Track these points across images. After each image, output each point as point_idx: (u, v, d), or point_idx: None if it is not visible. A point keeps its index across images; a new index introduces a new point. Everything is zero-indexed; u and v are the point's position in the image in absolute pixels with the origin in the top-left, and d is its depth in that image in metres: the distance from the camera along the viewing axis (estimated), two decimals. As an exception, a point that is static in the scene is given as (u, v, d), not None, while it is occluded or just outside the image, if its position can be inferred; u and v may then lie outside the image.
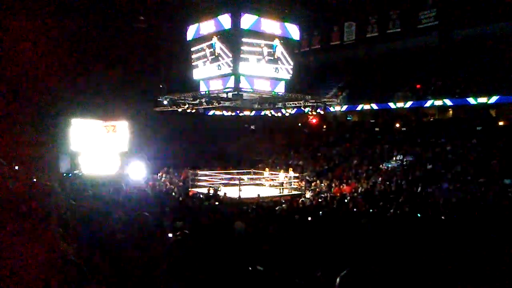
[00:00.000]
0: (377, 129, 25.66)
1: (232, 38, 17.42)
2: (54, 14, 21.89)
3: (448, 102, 21.72)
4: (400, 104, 23.17)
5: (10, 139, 19.04)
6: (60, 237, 1.61)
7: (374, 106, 24.53)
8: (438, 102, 21.94)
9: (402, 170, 20.08)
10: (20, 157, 15.80)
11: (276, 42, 18.18)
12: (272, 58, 18.15)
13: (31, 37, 20.42)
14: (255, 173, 22.67)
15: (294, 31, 18.85)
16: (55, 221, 1.59)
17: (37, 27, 21.38)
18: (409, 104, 22.95)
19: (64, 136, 21.66)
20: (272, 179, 21.85)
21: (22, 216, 1.53)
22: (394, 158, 21.48)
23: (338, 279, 1.81)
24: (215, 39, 18.06)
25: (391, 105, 23.55)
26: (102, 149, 22.42)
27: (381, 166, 21.17)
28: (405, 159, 20.96)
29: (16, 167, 12.35)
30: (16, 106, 20.83)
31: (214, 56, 18.23)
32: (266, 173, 22.22)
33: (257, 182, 21.81)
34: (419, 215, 11.85)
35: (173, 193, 16.92)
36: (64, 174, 19.62)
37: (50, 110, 21.25)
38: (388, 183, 18.94)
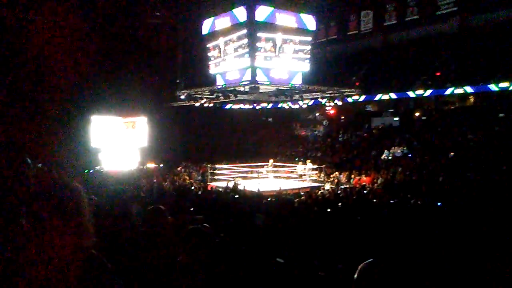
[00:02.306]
0: (396, 118, 25.32)
1: (247, 31, 17.35)
2: (72, 12, 22.21)
3: (468, 89, 21.25)
4: (419, 93, 22.78)
5: (33, 138, 19.49)
6: (81, 231, 1.63)
7: (393, 96, 24.17)
8: (459, 90, 21.48)
9: (422, 159, 19.80)
10: (42, 154, 16.13)
11: (291, 34, 18.04)
12: (287, 49, 18.02)
13: (52, 35, 20.81)
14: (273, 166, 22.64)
15: (310, 22, 18.66)
16: (76, 216, 1.62)
17: (57, 25, 21.77)
18: (428, 92, 22.54)
19: (84, 133, 22.03)
20: (274, 171, 21.72)
21: (44, 212, 1.56)
22: (399, 149, 21.22)
23: (357, 271, 1.79)
24: (230, 33, 18.04)
25: (410, 94, 23.18)
26: (122, 145, 22.73)
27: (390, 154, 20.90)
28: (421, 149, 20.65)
29: (39, 165, 12.60)
30: (39, 105, 21.28)
31: (229, 50, 18.21)
32: (270, 165, 21.98)
33: (276, 174, 21.80)
34: (440, 204, 11.68)
35: (192, 188, 17.04)
36: (86, 171, 19.98)
37: (71, 107, 21.60)
38: (408, 173, 18.70)
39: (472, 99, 23.31)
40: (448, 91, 21.83)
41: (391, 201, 13.29)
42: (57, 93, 21.55)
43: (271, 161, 22.00)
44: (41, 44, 19.90)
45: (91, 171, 20.59)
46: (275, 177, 21.72)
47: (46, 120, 21.05)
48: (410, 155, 20.76)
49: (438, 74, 23.08)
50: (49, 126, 20.78)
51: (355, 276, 1.77)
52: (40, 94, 21.47)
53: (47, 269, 1.50)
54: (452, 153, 19.16)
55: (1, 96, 20.10)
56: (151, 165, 23.43)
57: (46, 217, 1.55)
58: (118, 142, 22.67)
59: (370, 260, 1.81)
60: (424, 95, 22.74)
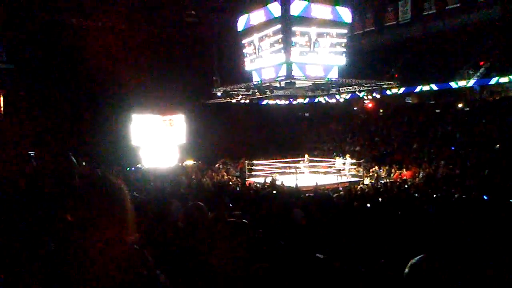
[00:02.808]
0: (438, 110, 24.53)
1: (282, 26, 17.26)
2: (115, 14, 22.94)
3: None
4: (462, 83, 21.94)
5: (77, 136, 20.26)
6: (125, 227, 1.67)
7: (434, 87, 23.39)
8: (504, 79, 20.53)
9: (466, 152, 19.11)
10: (87, 153, 16.72)
11: (327, 27, 17.79)
12: (323, 43, 17.79)
13: (97, 37, 21.57)
14: (310, 161, 22.49)
15: (345, 14, 18.34)
16: (119, 212, 1.66)
17: (101, 28, 22.55)
18: (472, 82, 21.67)
19: (126, 131, 22.65)
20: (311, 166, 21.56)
21: (89, 209, 1.61)
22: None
23: (408, 267, 1.75)
24: (265, 28, 18.01)
25: (453, 84, 22.35)
26: (161, 142, 23.22)
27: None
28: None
29: (84, 163, 13.04)
30: (83, 105, 22.10)
31: (264, 46, 18.20)
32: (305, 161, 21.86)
33: (314, 170, 21.65)
34: (486, 197, 11.25)
35: (230, 184, 17.18)
36: (128, 168, 20.56)
37: (113, 106, 22.27)
38: (451, 166, 18.11)
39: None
40: (493, 81, 20.92)
41: (434, 195, 12.92)
42: (101, 93, 22.31)
43: (306, 156, 21.87)
44: (86, 46, 20.65)
45: (132, 168, 21.15)
46: (313, 172, 21.56)
47: (90, 119, 21.83)
48: (453, 148, 20.08)
49: (481, 63, 22.15)
50: (93, 125, 21.55)
51: (407, 271, 1.74)
52: (85, 94, 22.28)
53: (92, 264, 1.54)
54: (497, 145, 18.39)
55: (47, 96, 21.01)
56: (189, 162, 23.80)
57: (90, 214, 1.60)
58: (157, 140, 23.17)
59: (421, 255, 1.77)
60: (467, 85, 21.87)
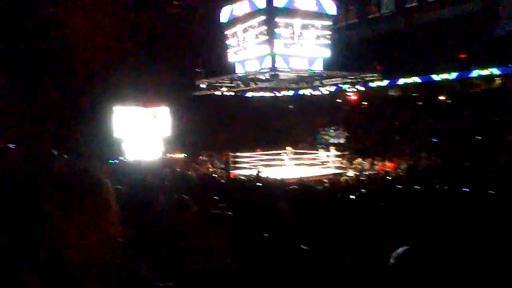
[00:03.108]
0: (420, 103, 24.82)
1: (266, 18, 17.18)
2: (94, 4, 22.52)
3: (495, 71, 20.62)
4: (444, 76, 22.22)
5: (58, 129, 19.95)
6: (107, 220, 1.64)
7: (417, 79, 23.64)
8: (485, 72, 20.87)
9: (447, 144, 19.42)
10: (68, 145, 16.49)
11: (311, 19, 17.78)
12: (307, 35, 17.78)
13: (76, 27, 21.15)
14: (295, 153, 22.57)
15: (330, 6, 18.33)
16: (102, 205, 1.63)
17: (81, 18, 22.11)
18: (453, 75, 21.97)
19: (108, 123, 22.36)
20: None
21: (71, 201, 1.58)
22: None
23: (392, 258, 1.76)
24: (248, 20, 17.91)
25: (435, 77, 22.63)
26: (144, 135, 22.98)
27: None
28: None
29: (65, 156, 12.85)
30: (65, 96, 21.73)
31: (248, 37, 18.11)
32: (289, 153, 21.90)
33: (298, 162, 21.74)
34: (467, 190, 11.44)
35: (215, 176, 17.14)
36: (110, 161, 20.32)
37: (95, 98, 21.96)
38: (433, 158, 18.39)
39: (499, 81, 22.62)
40: (474, 73, 21.25)
41: (415, 187, 13.09)
42: (81, 84, 21.96)
43: (289, 148, 21.88)
44: (65, 37, 20.25)
45: (115, 161, 20.92)
46: (298, 164, 21.65)
47: (71, 112, 21.50)
48: (435, 140, 20.38)
49: (463, 56, 22.46)
50: (74, 118, 21.23)
51: (392, 262, 1.75)
52: (65, 86, 21.91)
53: (74, 257, 1.52)
54: (478, 137, 18.73)
55: (27, 89, 20.60)
56: (174, 155, 23.66)
57: (72, 206, 1.57)
58: (140, 132, 22.92)
59: (405, 247, 1.78)
60: (449, 78, 22.17)
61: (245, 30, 18.27)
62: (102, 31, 22.28)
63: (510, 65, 19.98)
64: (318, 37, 18.04)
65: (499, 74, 21.00)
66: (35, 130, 17.65)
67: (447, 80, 22.44)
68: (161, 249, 2.78)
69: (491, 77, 21.73)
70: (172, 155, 23.54)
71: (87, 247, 1.55)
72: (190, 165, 20.23)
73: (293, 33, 17.45)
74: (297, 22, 17.37)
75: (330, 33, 18.55)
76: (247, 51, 18.56)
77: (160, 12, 25.24)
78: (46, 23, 21.52)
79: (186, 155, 23.65)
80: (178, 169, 18.14)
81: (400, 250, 1.79)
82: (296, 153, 22.40)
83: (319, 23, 17.93)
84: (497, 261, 3.66)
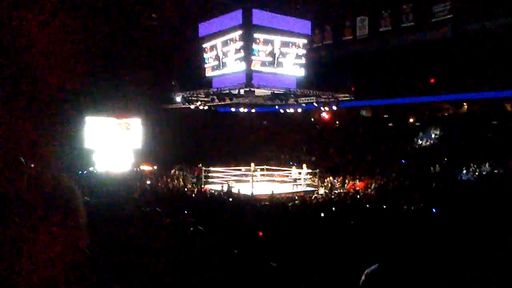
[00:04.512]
0: (390, 124, 25.43)
1: (243, 34, 17.36)
2: (67, 13, 22.15)
3: (462, 96, 21.41)
4: (414, 99, 22.90)
5: (27, 138, 19.38)
6: (76, 232, 1.62)
7: (388, 101, 24.27)
8: (453, 97, 21.63)
9: (416, 164, 19.90)
10: (36, 155, 16.04)
11: (287, 38, 18.07)
12: (282, 54, 18.05)
13: (45, 36, 20.72)
14: (267, 169, 22.63)
15: (305, 27, 18.72)
16: (71, 216, 1.61)
17: (51, 26, 21.68)
18: (423, 98, 22.67)
19: (79, 134, 21.93)
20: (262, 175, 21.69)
21: (39, 212, 1.55)
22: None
23: (364, 276, 1.79)
24: (226, 36, 18.05)
25: (405, 100, 23.29)
26: (116, 146, 22.64)
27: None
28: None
29: (32, 165, 12.52)
30: (33, 105, 21.17)
31: (226, 53, 18.22)
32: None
33: (270, 178, 21.79)
34: (434, 210, 11.71)
35: (186, 190, 17.00)
36: (80, 172, 19.88)
37: (65, 108, 21.50)
38: (402, 178, 18.78)
39: (466, 106, 23.47)
40: (442, 98, 21.99)
41: (384, 206, 13.32)
42: (52, 93, 21.46)
43: (252, 165, 21.75)
44: (36, 44, 19.82)
45: (85, 172, 20.48)
46: (269, 180, 21.69)
47: (41, 121, 20.95)
48: (403, 161, 20.84)
49: (432, 80, 23.22)
50: (44, 127, 20.68)
51: (362, 280, 1.77)
52: (35, 95, 21.36)
53: (40, 269, 1.49)
54: (445, 159, 19.29)
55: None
56: (145, 167, 23.35)
57: (40, 217, 1.55)
58: (112, 143, 22.58)
59: (375, 265, 1.81)
60: (419, 101, 22.87)
61: (222, 45, 18.38)
62: (75, 42, 21.95)
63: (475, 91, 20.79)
64: (293, 56, 18.33)
65: (465, 99, 21.81)
66: (2, 138, 17.09)
67: (416, 103, 23.14)
68: (129, 261, 2.74)
69: (458, 101, 22.52)
70: (142, 167, 23.22)
71: (53, 259, 1.52)
72: (160, 178, 19.96)
73: (269, 51, 17.68)
74: (273, 40, 17.63)
75: (305, 52, 18.88)
76: (224, 66, 18.66)
77: (138, 23, 25.09)
78: (14, 32, 21.03)
79: (157, 167, 23.37)
80: (148, 182, 17.92)
81: (371, 268, 1.82)
82: (263, 169, 22.41)
83: (294, 42, 18.23)
84: (465, 278, 3.76)
